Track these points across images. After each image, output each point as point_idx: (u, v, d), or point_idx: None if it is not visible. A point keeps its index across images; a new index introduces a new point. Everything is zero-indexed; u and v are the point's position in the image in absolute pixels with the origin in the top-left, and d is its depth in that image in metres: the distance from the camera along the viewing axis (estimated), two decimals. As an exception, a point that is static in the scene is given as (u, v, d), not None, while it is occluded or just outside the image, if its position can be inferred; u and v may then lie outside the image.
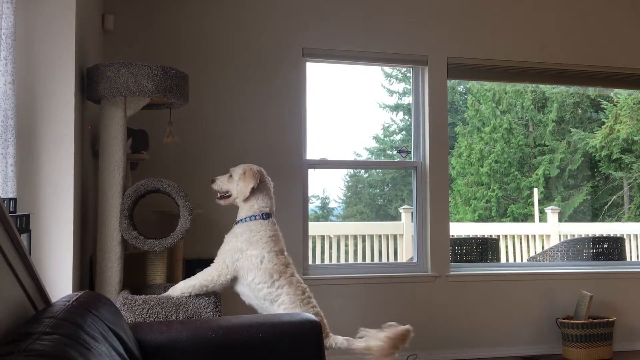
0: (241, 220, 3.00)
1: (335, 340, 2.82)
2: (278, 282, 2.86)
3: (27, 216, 2.42)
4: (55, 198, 2.75)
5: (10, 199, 2.34)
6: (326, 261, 7.41)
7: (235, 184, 3.04)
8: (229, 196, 3.08)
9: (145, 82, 2.96)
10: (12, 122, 2.46)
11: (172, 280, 3.40)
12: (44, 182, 2.74)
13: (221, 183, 3.09)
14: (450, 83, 7.94)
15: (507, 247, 7.86)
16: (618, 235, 6.83)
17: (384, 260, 7.50)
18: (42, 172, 2.74)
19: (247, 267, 2.88)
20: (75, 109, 2.84)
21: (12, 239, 1.50)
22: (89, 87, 3.04)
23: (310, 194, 4.64)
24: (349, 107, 10.50)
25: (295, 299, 2.85)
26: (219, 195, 3.12)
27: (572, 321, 4.56)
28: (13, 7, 2.48)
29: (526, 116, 11.49)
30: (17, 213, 2.36)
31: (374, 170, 12.29)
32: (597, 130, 10.77)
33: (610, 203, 11.04)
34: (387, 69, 11.69)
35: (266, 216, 2.99)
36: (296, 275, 2.97)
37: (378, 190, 12.44)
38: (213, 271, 2.92)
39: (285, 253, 3.00)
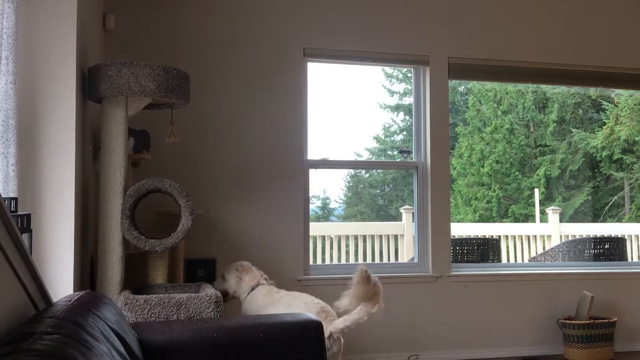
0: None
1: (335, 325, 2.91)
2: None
3: (29, 216, 2.41)
4: (56, 198, 2.75)
5: (11, 198, 2.34)
6: (327, 261, 7.40)
7: (231, 283, 3.39)
8: (227, 295, 3.37)
9: (146, 82, 2.95)
10: (13, 122, 2.45)
11: (172, 281, 3.40)
12: (45, 182, 2.74)
13: (217, 286, 3.37)
14: (451, 83, 7.95)
15: (508, 247, 7.85)
16: (619, 236, 6.83)
17: (385, 260, 7.49)
18: (44, 171, 2.74)
19: None
20: (77, 108, 2.84)
21: (14, 238, 1.50)
22: (91, 86, 3.04)
23: (311, 194, 4.64)
24: (350, 108, 10.50)
25: None
26: None
27: (573, 322, 4.55)
28: (14, 6, 2.47)
29: (527, 116, 11.48)
30: (19, 213, 2.36)
31: (374, 171, 12.29)
32: (597, 131, 10.77)
33: (611, 203, 11.03)
34: (388, 70, 11.68)
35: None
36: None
37: (379, 191, 12.43)
38: None
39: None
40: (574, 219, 10.75)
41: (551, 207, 8.69)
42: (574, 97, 11.06)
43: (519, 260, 7.77)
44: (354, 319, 2.86)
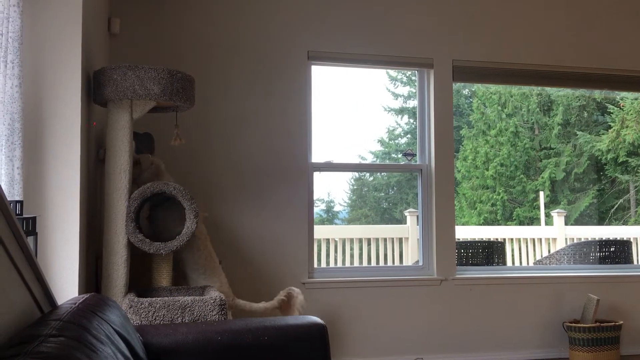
0: None
1: (237, 302, 3.36)
2: None
3: (34, 219, 2.42)
4: (61, 201, 2.76)
5: (17, 201, 2.35)
6: (331, 264, 7.40)
7: None
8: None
9: (151, 85, 2.96)
10: (18, 125, 2.46)
11: (177, 283, 3.40)
12: (50, 185, 2.74)
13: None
14: (456, 86, 7.92)
15: (513, 250, 7.83)
16: (625, 239, 6.81)
17: (390, 263, 7.48)
18: (49, 175, 2.75)
19: None
20: (82, 112, 2.85)
21: (19, 241, 1.50)
22: (96, 90, 3.05)
23: (315, 197, 4.64)
24: (354, 110, 10.51)
25: None
26: None
27: (579, 325, 4.54)
28: (20, 10, 2.49)
29: (532, 119, 11.47)
30: (24, 215, 2.36)
31: (379, 174, 12.29)
32: (602, 133, 10.74)
33: (616, 206, 11.00)
34: (392, 73, 11.69)
35: None
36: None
37: (383, 194, 12.43)
38: None
39: None
40: (579, 221, 10.72)
41: (556, 210, 8.67)
42: (579, 99, 11.04)
43: (524, 263, 7.76)
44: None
